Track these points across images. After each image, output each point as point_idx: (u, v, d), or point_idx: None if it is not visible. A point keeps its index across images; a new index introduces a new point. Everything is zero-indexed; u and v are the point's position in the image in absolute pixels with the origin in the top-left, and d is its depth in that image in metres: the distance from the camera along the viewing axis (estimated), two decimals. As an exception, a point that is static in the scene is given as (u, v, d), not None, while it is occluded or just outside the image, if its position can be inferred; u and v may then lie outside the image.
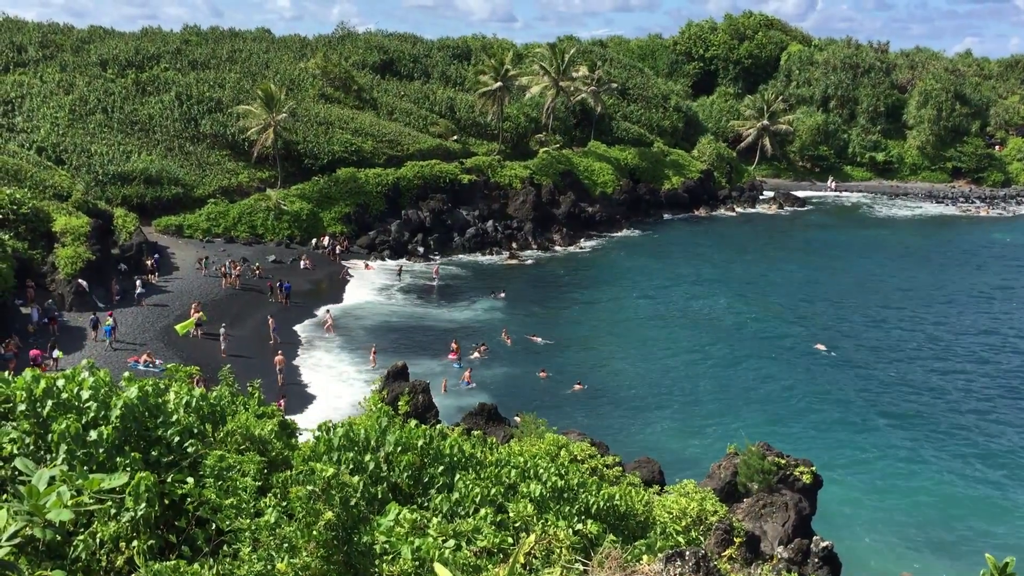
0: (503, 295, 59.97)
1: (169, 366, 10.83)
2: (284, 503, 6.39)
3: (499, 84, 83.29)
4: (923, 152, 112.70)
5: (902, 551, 28.89)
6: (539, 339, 49.87)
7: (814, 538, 14.22)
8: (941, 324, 55.86)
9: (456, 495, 8.79)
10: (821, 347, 49.80)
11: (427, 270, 65.51)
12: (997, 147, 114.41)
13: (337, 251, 65.58)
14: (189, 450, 7.31)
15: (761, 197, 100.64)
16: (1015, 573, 5.47)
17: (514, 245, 74.86)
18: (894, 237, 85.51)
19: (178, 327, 44.45)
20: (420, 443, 9.34)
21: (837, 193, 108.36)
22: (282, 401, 36.97)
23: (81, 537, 6.05)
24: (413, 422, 9.95)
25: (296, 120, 74.55)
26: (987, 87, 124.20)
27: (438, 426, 12.59)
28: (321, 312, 52.84)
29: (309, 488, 6.07)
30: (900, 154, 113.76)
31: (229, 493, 6.33)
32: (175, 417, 7.47)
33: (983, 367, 47.52)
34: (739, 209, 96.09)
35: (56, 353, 39.69)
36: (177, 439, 7.33)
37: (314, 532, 5.87)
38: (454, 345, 47.72)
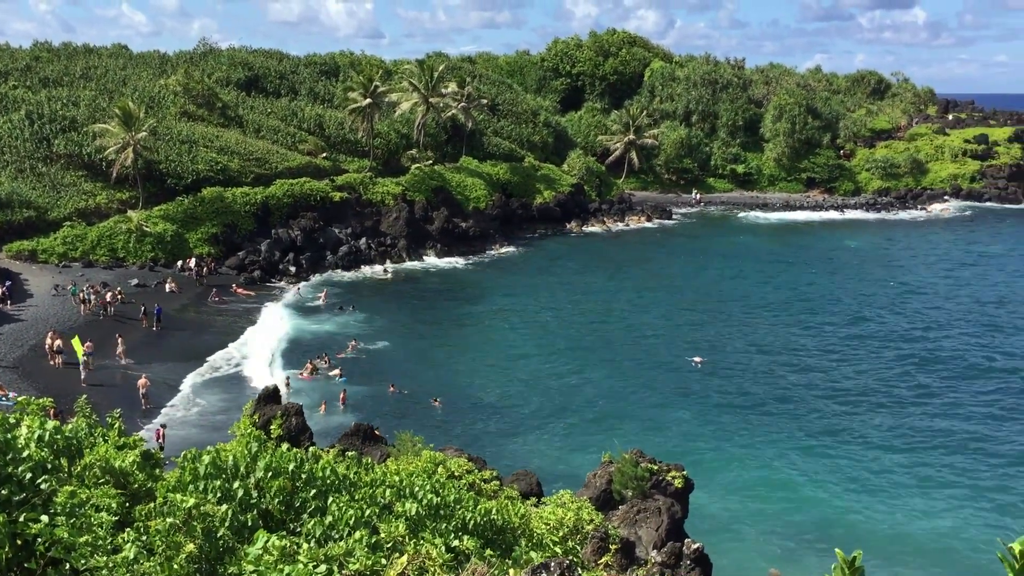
0: (352, 308, 59.62)
1: (20, 399, 10.27)
2: (144, 537, 6.15)
3: (368, 101, 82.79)
4: (780, 164, 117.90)
5: (769, 548, 30.02)
6: (400, 390, 45.29)
7: (686, 541, 14.67)
8: (805, 330, 58.36)
9: (329, 518, 8.64)
10: (697, 360, 50.94)
11: (315, 292, 64.52)
12: (847, 158, 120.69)
13: (204, 273, 63.62)
14: (43, 487, 6.95)
15: (631, 209, 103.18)
16: (863, 565, 5.79)
17: (388, 262, 74.43)
18: (757, 245, 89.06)
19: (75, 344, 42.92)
20: (291, 467, 9.15)
21: (702, 204, 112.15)
22: (161, 430, 35.54)
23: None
24: (285, 446, 9.74)
25: (157, 139, 72.05)
26: (836, 101, 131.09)
27: (311, 448, 12.37)
28: (217, 359, 51.10)
29: (169, 520, 5.86)
30: (759, 166, 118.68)
31: (83, 530, 6.05)
32: (26, 453, 7.10)
33: (845, 371, 49.84)
34: (610, 221, 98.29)
35: None
36: (29, 476, 6.97)
37: (175, 566, 5.67)
38: (309, 365, 46.98)
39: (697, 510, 28.19)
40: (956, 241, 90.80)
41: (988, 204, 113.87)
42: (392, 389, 44.62)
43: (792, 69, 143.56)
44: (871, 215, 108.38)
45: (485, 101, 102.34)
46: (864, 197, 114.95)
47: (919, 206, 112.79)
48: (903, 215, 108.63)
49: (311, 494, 9.20)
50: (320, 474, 9.60)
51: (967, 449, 38.59)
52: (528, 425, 41.34)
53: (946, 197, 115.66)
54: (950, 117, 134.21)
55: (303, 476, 9.40)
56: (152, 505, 6.78)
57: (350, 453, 13.31)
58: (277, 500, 8.66)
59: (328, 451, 17.98)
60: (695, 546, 14.86)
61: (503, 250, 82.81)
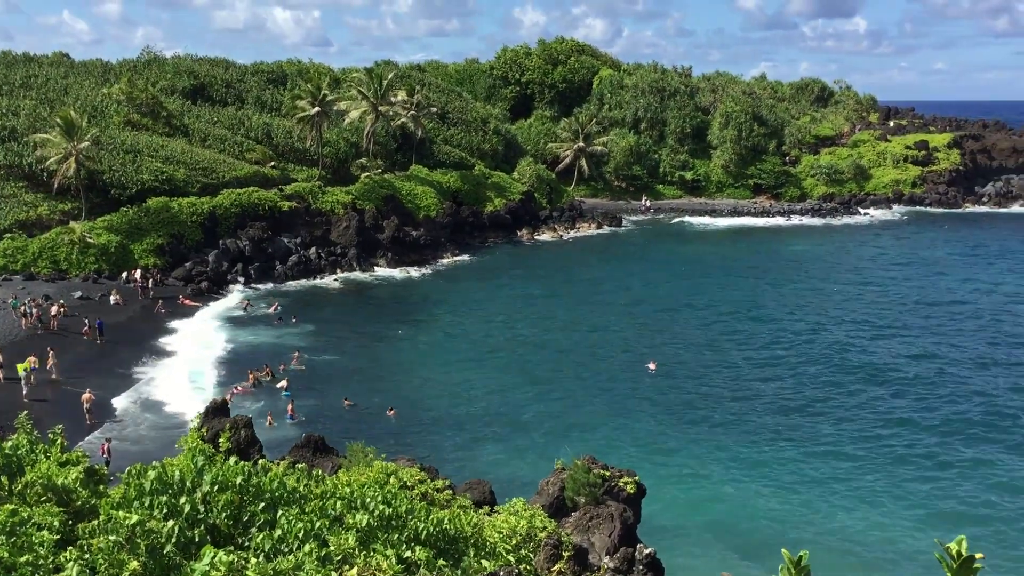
0: (294, 320, 59.03)
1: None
2: (87, 556, 6.03)
3: (317, 109, 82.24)
4: (727, 170, 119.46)
5: (720, 552, 30.31)
6: (354, 402, 44.57)
7: (638, 546, 14.76)
8: (756, 335, 59.04)
9: (279, 532, 8.54)
10: (651, 366, 51.23)
11: (265, 306, 63.73)
12: (793, 164, 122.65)
13: (150, 285, 62.55)
14: (-19, 506, 6.78)
15: (581, 216, 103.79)
16: (808, 565, 5.89)
17: (338, 271, 73.93)
18: (707, 252, 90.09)
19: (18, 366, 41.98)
20: (239, 480, 9.04)
21: (652, 211, 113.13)
22: (106, 444, 34.85)
23: None
24: (233, 459, 9.62)
25: (100, 148, 70.72)
26: (781, 108, 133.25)
27: (260, 461, 12.22)
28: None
29: (113, 538, 5.76)
30: (707, 172, 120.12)
31: (24, 549, 5.91)
32: (-37, 472, 6.93)
33: (794, 377, 50.51)
34: (561, 229, 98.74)
35: None
36: (-34, 496, 6.80)
37: (120, 584, 5.57)
38: (251, 376, 46.45)
39: (650, 515, 28.36)
40: (898, 246, 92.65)
41: (929, 209, 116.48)
42: (347, 402, 44.28)
43: (738, 77, 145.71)
44: (817, 220, 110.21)
45: (435, 109, 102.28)
46: (810, 203, 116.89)
47: (863, 211, 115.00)
48: (848, 220, 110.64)
49: (260, 507, 9.10)
50: (269, 487, 9.50)
51: (910, 454, 39.33)
52: (482, 433, 41.28)
53: (889, 202, 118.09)
54: (891, 124, 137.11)
55: (251, 489, 9.29)
56: (95, 522, 6.65)
57: (300, 465, 13.19)
58: (225, 515, 8.55)
59: (278, 464, 17.79)
60: (647, 551, 14.97)
61: (454, 259, 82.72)
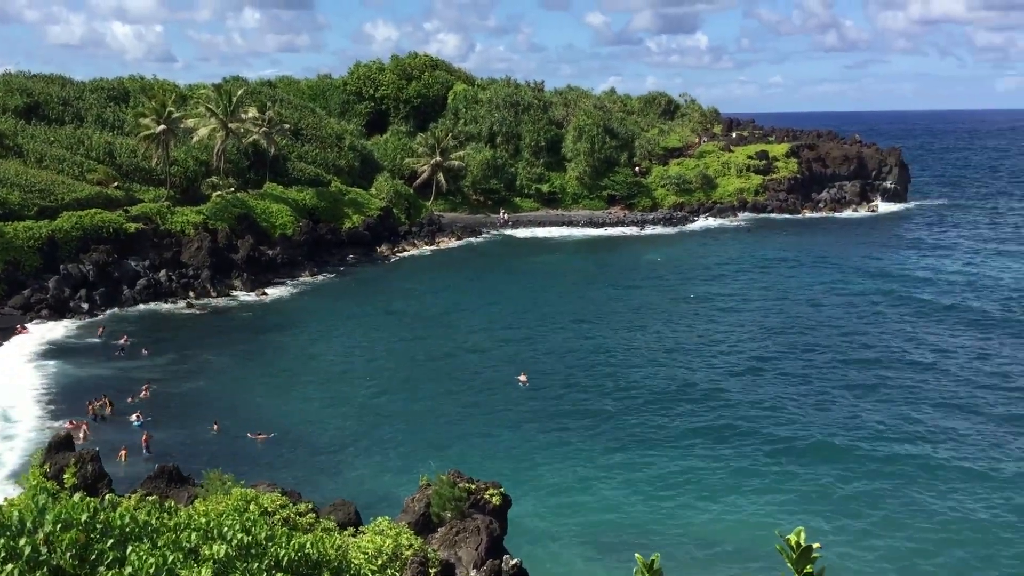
0: (127, 345, 56.70)
1: None
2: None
3: (162, 127, 79.39)
4: (582, 182, 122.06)
5: (586, 556, 30.87)
6: (216, 428, 43.34)
7: (504, 557, 14.87)
8: (618, 343, 60.42)
9: (128, 569, 8.21)
10: (522, 378, 51.47)
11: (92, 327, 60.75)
12: (643, 175, 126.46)
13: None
14: None
15: (440, 231, 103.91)
16: (661, 567, 6.10)
17: (191, 294, 71.44)
18: (566, 262, 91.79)
19: None
20: (84, 517, 8.63)
21: (510, 224, 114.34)
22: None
23: None
24: (78, 495, 9.19)
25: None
26: (631, 121, 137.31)
27: (108, 496, 11.70)
28: None
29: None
30: (562, 185, 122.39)
31: None
32: None
33: (654, 381, 51.94)
34: (420, 244, 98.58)
35: None
36: None
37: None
38: (90, 409, 44.43)
39: (516, 525, 28.62)
40: (744, 249, 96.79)
41: (772, 215, 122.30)
42: (215, 428, 42.85)
43: (589, 91, 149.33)
44: (669, 229, 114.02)
45: (288, 126, 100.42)
46: (661, 212, 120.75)
47: (711, 219, 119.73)
48: (697, 227, 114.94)
49: (108, 544, 8.72)
50: (118, 522, 9.12)
51: (759, 452, 41.10)
52: (348, 453, 40.71)
53: (735, 210, 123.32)
54: (734, 135, 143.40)
55: (99, 526, 8.90)
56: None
57: (151, 497, 12.69)
58: (70, 554, 8.15)
59: (128, 497, 17.05)
60: (513, 561, 15.10)
61: (313, 277, 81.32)
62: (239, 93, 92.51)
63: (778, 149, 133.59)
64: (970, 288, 74.55)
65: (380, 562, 14.06)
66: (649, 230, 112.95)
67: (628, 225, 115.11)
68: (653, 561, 6.11)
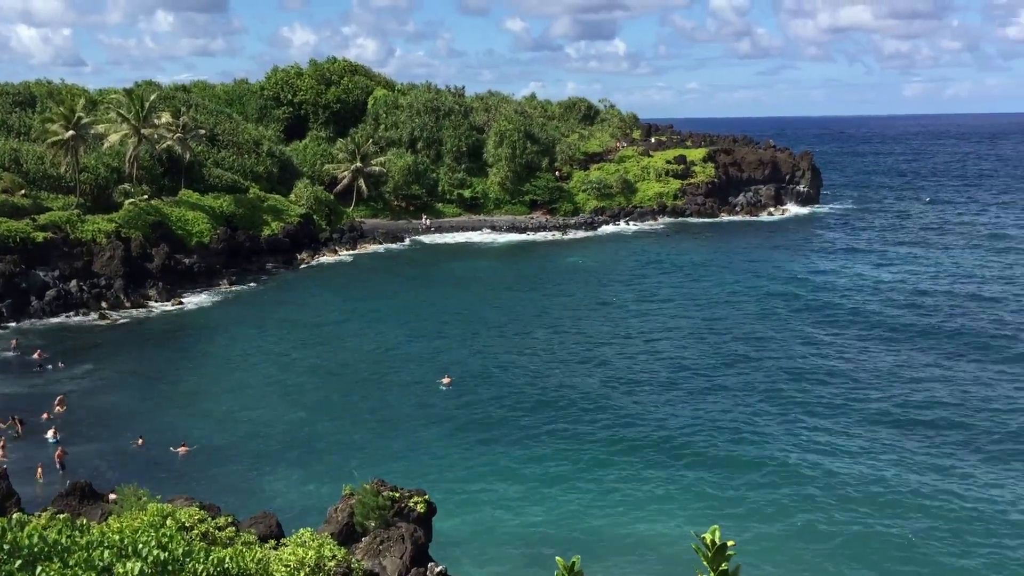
0: (46, 361, 54.93)
1: None
2: None
3: (71, 133, 77.09)
4: (504, 187, 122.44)
5: (513, 561, 30.95)
6: (136, 442, 42.08)
7: (429, 565, 14.81)
8: (540, 346, 60.72)
9: (38, 590, 7.98)
10: (445, 380, 51.54)
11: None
12: (565, 180, 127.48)
13: None
14: None
15: (362, 237, 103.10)
16: (581, 570, 6.16)
17: (104, 305, 69.46)
18: (490, 267, 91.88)
19: None
20: (-10, 539, 8.37)
21: (432, 229, 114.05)
22: None
23: None
24: (-18, 517, 8.88)
25: None
26: (552, 127, 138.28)
27: (15, 515, 11.31)
28: None
29: None
30: (484, 190, 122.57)
31: None
32: None
33: (576, 384, 52.34)
34: (342, 250, 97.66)
35: None
36: None
37: None
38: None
39: (442, 532, 28.53)
40: (663, 253, 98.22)
41: (691, 219, 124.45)
42: (139, 442, 41.74)
43: (510, 96, 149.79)
44: (590, 233, 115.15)
45: (203, 131, 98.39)
46: (583, 216, 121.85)
47: (632, 223, 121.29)
48: (618, 231, 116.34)
49: (16, 565, 8.48)
50: (26, 542, 8.86)
51: (683, 452, 41.78)
52: (271, 463, 40.08)
53: (655, 214, 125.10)
54: (653, 140, 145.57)
55: (6, 547, 8.64)
56: None
57: (62, 516, 12.31)
58: (-26, 578, 7.88)
59: (38, 516, 16.50)
60: (438, 569, 15.07)
61: (232, 286, 79.83)
62: (152, 98, 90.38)
63: (696, 154, 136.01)
64: (876, 291, 76.81)
65: (302, 574, 13.88)
66: (571, 234, 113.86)
67: (550, 230, 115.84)
68: (574, 563, 6.17)
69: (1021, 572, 30.38)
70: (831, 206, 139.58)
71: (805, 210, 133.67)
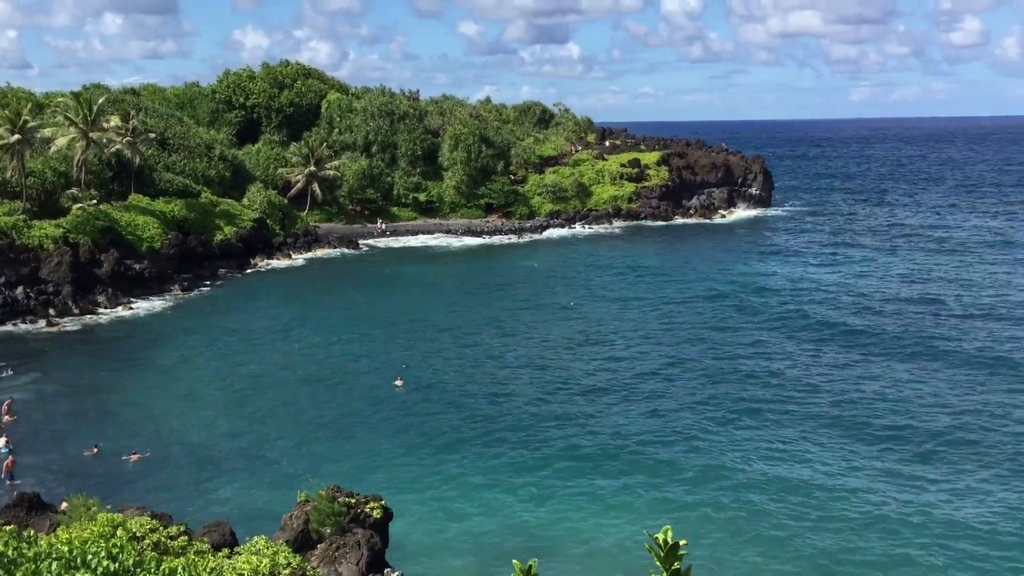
0: (10, 372, 53.80)
1: None
2: None
3: (17, 137, 75.59)
4: (459, 191, 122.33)
5: (469, 564, 30.91)
6: (92, 451, 41.54)
7: (386, 571, 14.74)
8: (497, 349, 60.75)
9: (-17, 605, 7.81)
10: (398, 382, 51.66)
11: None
12: (520, 183, 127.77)
13: None
14: None
15: (317, 242, 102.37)
16: (537, 573, 6.19)
17: (51, 312, 68.13)
18: (445, 271, 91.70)
19: None
20: (-68, 554, 8.18)
21: (388, 233, 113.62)
22: None
23: None
24: (-76, 530, 8.67)
25: None
26: (507, 130, 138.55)
27: (-40, 529, 11.06)
28: None
29: None
30: (440, 194, 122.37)
31: None
32: None
33: (532, 388, 52.42)
34: (296, 255, 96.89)
35: None
36: None
37: None
38: None
39: (399, 537, 28.43)
40: (617, 257, 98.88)
41: (645, 222, 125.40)
42: (94, 450, 41.08)
43: (464, 100, 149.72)
44: (546, 236, 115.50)
45: (153, 135, 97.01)
46: (538, 220, 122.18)
47: (587, 226, 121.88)
48: (573, 234, 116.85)
49: (-40, 580, 8.27)
50: (-29, 556, 8.66)
51: (635, 457, 42.03)
52: (224, 471, 39.59)
53: (610, 217, 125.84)
54: (607, 144, 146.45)
55: (-51, 561, 8.44)
56: None
57: (9, 527, 12.07)
58: (-84, 593, 7.70)
59: (-16, 529, 16.12)
60: (395, 574, 15.01)
61: (184, 292, 78.78)
62: (100, 101, 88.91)
63: (650, 157, 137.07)
64: (825, 293, 77.87)
65: (257, 582, 13.75)
66: (527, 238, 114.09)
67: (506, 233, 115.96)
68: (531, 566, 6.20)
69: (959, 568, 31.06)
70: (782, 208, 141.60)
71: (757, 212, 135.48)
